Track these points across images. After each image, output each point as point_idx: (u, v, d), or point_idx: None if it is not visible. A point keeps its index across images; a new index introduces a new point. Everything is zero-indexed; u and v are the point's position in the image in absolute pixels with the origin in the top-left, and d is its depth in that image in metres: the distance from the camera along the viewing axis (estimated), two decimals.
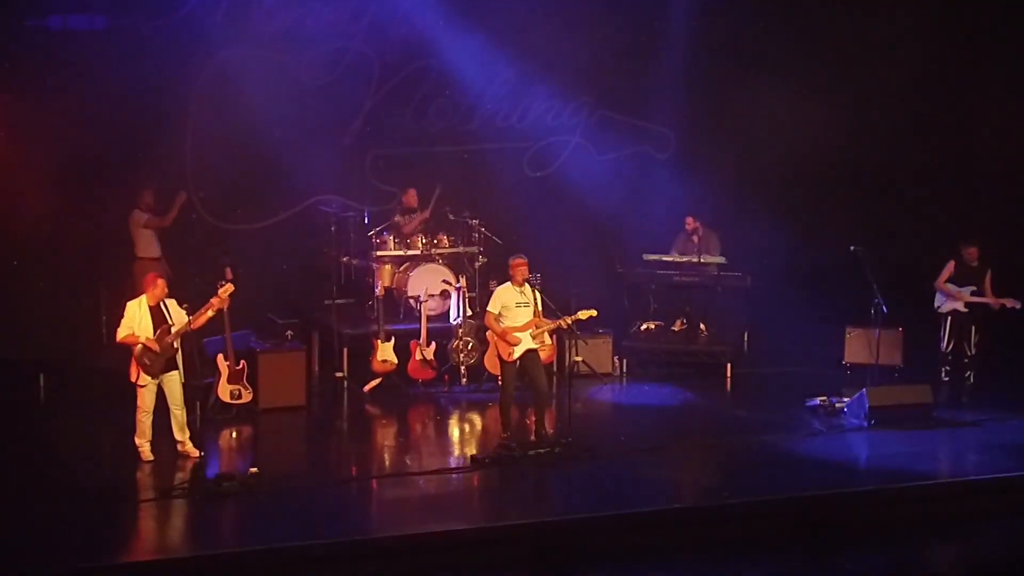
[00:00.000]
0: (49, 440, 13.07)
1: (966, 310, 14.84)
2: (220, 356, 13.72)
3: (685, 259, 16.25)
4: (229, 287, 12.43)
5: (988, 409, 14.24)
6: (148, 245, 15.42)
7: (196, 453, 12.19)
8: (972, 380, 14.92)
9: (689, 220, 16.31)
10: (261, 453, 13.13)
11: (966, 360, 14.93)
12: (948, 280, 14.91)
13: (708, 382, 15.55)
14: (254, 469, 11.77)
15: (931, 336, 15.28)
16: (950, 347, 14.96)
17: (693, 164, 17.26)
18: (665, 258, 16.32)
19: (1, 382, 14.31)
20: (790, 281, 16.58)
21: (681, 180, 17.14)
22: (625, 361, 16.03)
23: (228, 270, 14.35)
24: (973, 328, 14.86)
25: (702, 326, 16.30)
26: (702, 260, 16.14)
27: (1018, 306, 14.68)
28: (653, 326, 16.45)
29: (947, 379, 14.90)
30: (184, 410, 12.30)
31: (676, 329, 16.40)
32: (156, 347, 12.07)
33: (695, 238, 16.25)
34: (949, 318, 14.90)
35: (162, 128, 15.61)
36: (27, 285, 15.17)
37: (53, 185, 14.98)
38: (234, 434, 13.55)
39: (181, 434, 12.36)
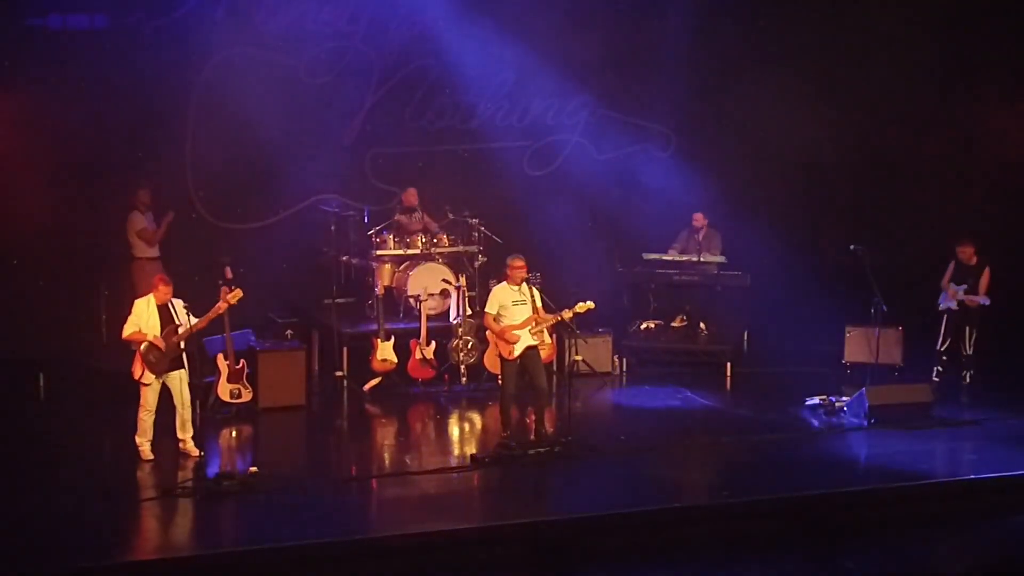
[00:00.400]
0: (48, 439, 13.05)
1: (957, 308, 14.85)
2: (220, 355, 13.73)
3: (685, 258, 16.25)
4: (238, 292, 12.46)
5: (988, 408, 14.24)
6: (145, 246, 15.40)
7: (196, 452, 12.20)
8: (969, 379, 14.92)
9: (698, 217, 16.29)
10: (261, 452, 13.14)
11: (963, 359, 14.94)
12: (950, 280, 14.94)
13: (708, 381, 15.55)
14: (254, 468, 11.79)
15: (931, 335, 15.30)
16: (945, 345, 14.97)
17: (693, 163, 17.25)
18: (665, 257, 16.32)
19: (0, 381, 14.30)
20: (790, 280, 16.58)
21: (681, 179, 17.13)
22: (625, 360, 16.03)
23: (228, 269, 14.35)
24: (967, 327, 14.87)
25: (702, 325, 16.29)
26: (702, 259, 16.14)
27: (987, 303, 14.67)
28: (653, 325, 16.45)
29: (937, 379, 14.90)
30: (190, 409, 12.31)
31: (675, 327, 16.40)
32: (163, 345, 12.09)
33: (698, 236, 16.25)
34: (945, 316, 14.93)
35: (162, 127, 15.62)
36: (27, 284, 15.17)
37: (53, 184, 15.02)
38: (234, 433, 13.55)
39: (184, 432, 12.38)
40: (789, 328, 16.00)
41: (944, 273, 15.03)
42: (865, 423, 13.65)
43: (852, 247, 14.89)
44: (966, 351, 14.90)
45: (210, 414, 13.46)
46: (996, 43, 16.90)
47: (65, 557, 9.96)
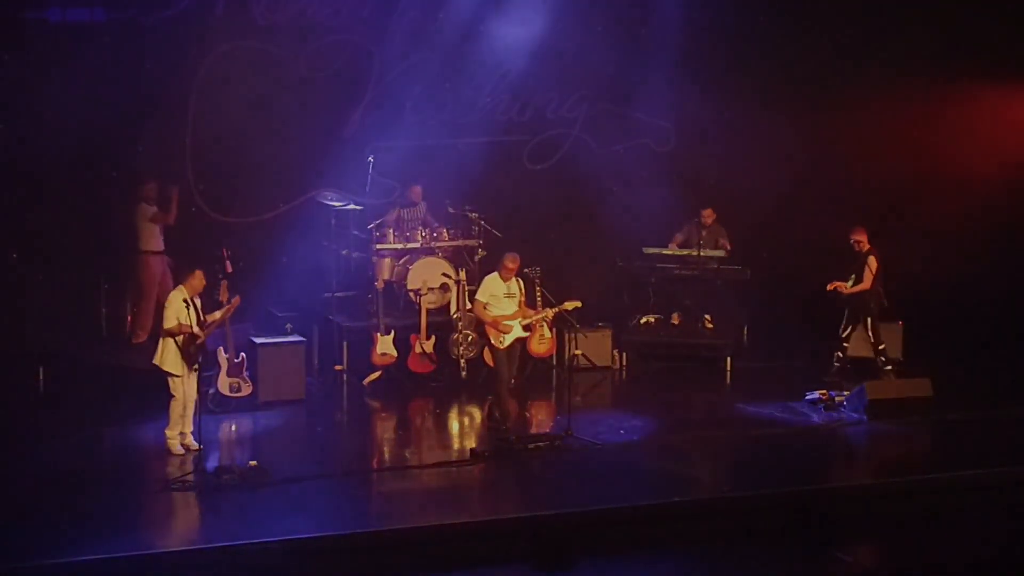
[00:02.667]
0: (48, 433, 13.04)
1: (844, 296, 14.92)
2: (220, 349, 13.72)
3: (685, 252, 16.23)
4: (236, 298, 12.81)
5: (987, 404, 14.25)
6: (152, 239, 15.39)
7: (196, 446, 12.20)
8: (885, 362, 15.00)
9: (708, 213, 16.24)
10: (260, 446, 13.12)
11: (881, 347, 14.99)
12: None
13: (708, 375, 15.56)
14: (253, 462, 11.79)
15: (931, 330, 15.33)
16: (845, 333, 15.04)
17: (693, 158, 17.23)
18: (665, 251, 16.29)
19: (0, 374, 14.29)
20: (790, 274, 16.58)
21: (681, 173, 17.12)
22: (625, 354, 16.04)
23: (228, 263, 14.35)
24: (862, 315, 14.97)
25: (707, 318, 16.26)
26: (702, 254, 16.12)
27: (867, 289, 14.81)
28: (653, 319, 16.44)
29: (838, 364, 15.01)
30: (195, 403, 12.32)
31: (675, 322, 16.40)
32: (203, 336, 12.17)
33: (703, 232, 16.21)
34: (847, 306, 15.01)
35: (162, 121, 15.59)
36: (26, 278, 15.16)
37: (52, 178, 14.99)
38: (233, 427, 13.55)
39: (185, 426, 12.38)
40: (789, 322, 16.00)
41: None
42: (864, 417, 13.65)
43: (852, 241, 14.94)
44: (870, 339, 14.92)
45: (210, 408, 13.44)
46: (991, 38, 16.85)
47: (62, 550, 9.96)
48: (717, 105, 17.22)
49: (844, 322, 15.05)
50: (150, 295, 14.99)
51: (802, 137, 16.96)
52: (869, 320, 14.96)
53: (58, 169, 15.03)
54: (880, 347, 15.00)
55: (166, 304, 12.37)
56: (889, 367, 15.02)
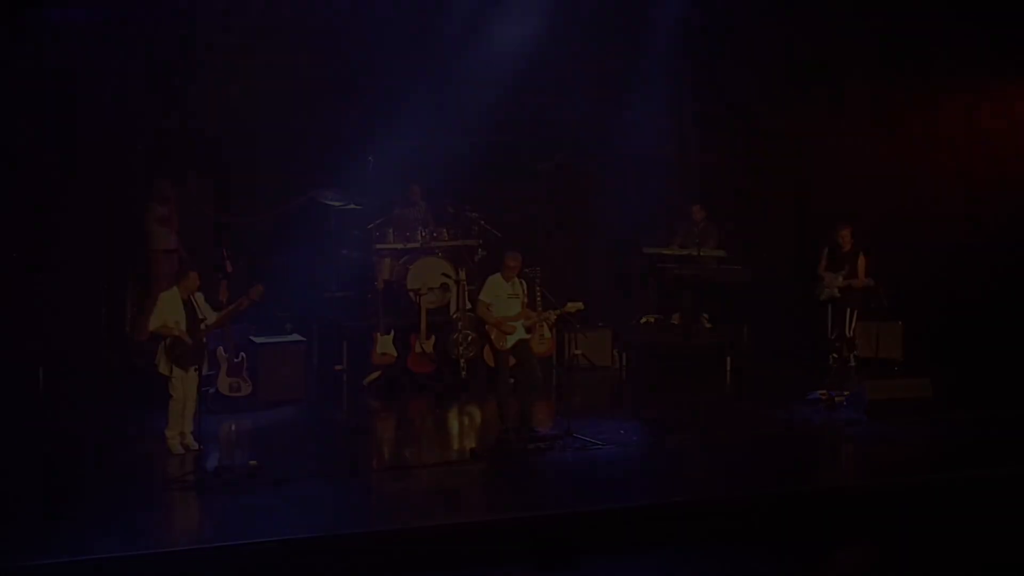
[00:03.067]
0: (48, 433, 13.05)
1: (838, 295, 14.91)
2: (220, 349, 13.72)
3: (685, 252, 16.24)
4: (260, 288, 12.56)
5: (987, 404, 14.25)
6: (162, 237, 15.39)
7: (196, 446, 12.20)
8: (854, 363, 15.06)
9: (696, 209, 16.29)
10: (260, 446, 13.12)
11: (848, 342, 15.01)
12: (826, 267, 15.02)
13: (708, 375, 15.55)
14: (253, 462, 11.79)
15: (932, 329, 15.33)
16: (835, 334, 15.00)
17: (692, 158, 17.23)
18: (665, 251, 16.31)
19: (0, 374, 14.29)
20: (790, 274, 16.58)
21: (680, 173, 17.12)
22: (625, 354, 16.04)
23: (228, 263, 14.35)
24: (848, 309, 14.89)
25: (705, 317, 16.28)
26: (701, 253, 16.12)
27: (871, 284, 14.86)
28: (653, 319, 16.45)
29: (834, 364, 15.02)
30: (195, 403, 12.31)
31: (675, 322, 16.41)
32: (190, 340, 12.09)
33: (696, 229, 16.23)
34: (830, 305, 14.99)
35: (161, 120, 15.60)
36: (27, 277, 15.16)
37: (52, 177, 15.00)
38: (233, 427, 13.55)
39: (185, 426, 12.37)
40: (789, 321, 16.00)
41: (819, 261, 15.14)
42: (865, 417, 13.66)
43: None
44: (848, 333, 14.94)
45: (210, 408, 13.44)
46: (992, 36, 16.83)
47: (61, 550, 9.96)
48: (716, 105, 17.23)
49: (831, 324, 15.04)
50: (159, 293, 14.99)
51: (803, 136, 16.97)
52: (855, 314, 14.96)
53: (58, 168, 15.04)
54: (853, 340, 15.01)
55: (156, 305, 12.32)
56: (852, 363, 15.00)
